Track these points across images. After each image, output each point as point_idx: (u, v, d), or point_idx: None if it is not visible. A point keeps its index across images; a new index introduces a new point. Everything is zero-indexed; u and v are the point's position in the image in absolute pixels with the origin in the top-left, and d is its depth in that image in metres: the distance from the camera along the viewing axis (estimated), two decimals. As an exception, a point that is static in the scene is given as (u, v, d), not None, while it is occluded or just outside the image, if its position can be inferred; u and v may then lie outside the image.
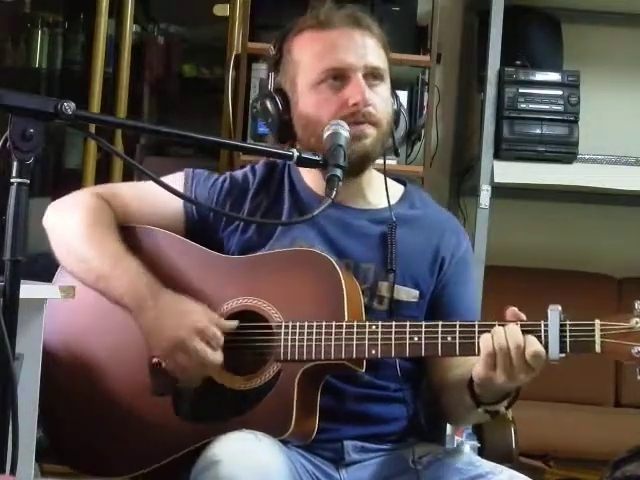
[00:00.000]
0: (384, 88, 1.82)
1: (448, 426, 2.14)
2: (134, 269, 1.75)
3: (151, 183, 1.88)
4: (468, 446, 2.83)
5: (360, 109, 1.76)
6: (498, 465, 1.73)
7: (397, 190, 1.91)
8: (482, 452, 2.79)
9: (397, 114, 1.85)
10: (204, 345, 1.68)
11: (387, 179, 1.85)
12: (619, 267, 3.98)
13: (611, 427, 3.40)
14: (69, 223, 1.82)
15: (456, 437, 2.85)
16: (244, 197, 1.86)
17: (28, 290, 1.54)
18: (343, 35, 1.80)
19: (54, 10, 3.95)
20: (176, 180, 1.86)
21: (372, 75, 1.79)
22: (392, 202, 1.84)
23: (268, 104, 1.82)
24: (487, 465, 1.73)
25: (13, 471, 1.38)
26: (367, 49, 1.80)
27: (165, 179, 1.85)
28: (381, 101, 1.80)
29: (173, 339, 1.69)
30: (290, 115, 1.82)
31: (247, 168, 1.92)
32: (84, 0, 3.74)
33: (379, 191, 1.85)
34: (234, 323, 1.72)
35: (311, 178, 1.86)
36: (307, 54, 1.81)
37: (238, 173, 1.91)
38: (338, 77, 1.78)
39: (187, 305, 1.72)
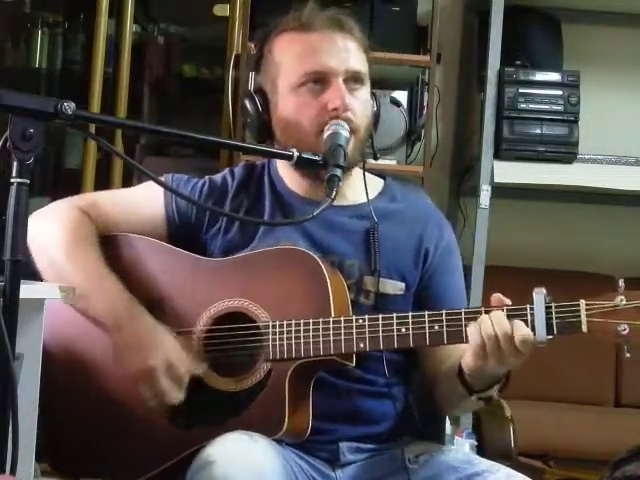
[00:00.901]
0: (364, 92, 1.82)
1: (448, 425, 2.14)
2: (114, 289, 1.75)
3: (131, 190, 1.92)
4: (467, 445, 2.83)
5: (339, 114, 1.76)
6: (495, 463, 1.73)
7: (377, 184, 1.91)
8: (481, 451, 2.79)
9: (376, 116, 1.85)
10: (170, 383, 1.69)
11: (367, 174, 1.85)
12: (619, 267, 3.97)
13: (611, 427, 3.40)
14: (50, 239, 1.80)
15: (456, 437, 2.85)
16: (224, 199, 1.86)
17: (28, 290, 1.54)
18: (325, 38, 1.79)
19: (54, 10, 3.95)
20: (156, 186, 1.85)
21: (353, 79, 1.79)
22: (372, 196, 1.85)
23: (247, 104, 1.83)
24: (484, 463, 1.73)
25: (13, 471, 1.38)
26: (348, 53, 1.79)
27: (146, 183, 1.86)
28: (360, 105, 1.80)
29: (142, 367, 1.69)
30: (269, 116, 1.82)
31: (226, 171, 1.92)
32: (84, 0, 3.75)
33: (359, 187, 1.85)
34: (203, 365, 1.72)
35: (289, 178, 1.87)
36: (288, 56, 1.81)
37: (217, 177, 1.91)
38: (319, 81, 1.78)
39: (163, 335, 1.72)
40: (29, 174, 1.40)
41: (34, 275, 1.76)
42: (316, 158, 1.71)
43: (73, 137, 3.89)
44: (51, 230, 1.82)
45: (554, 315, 1.58)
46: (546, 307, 1.58)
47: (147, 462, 1.72)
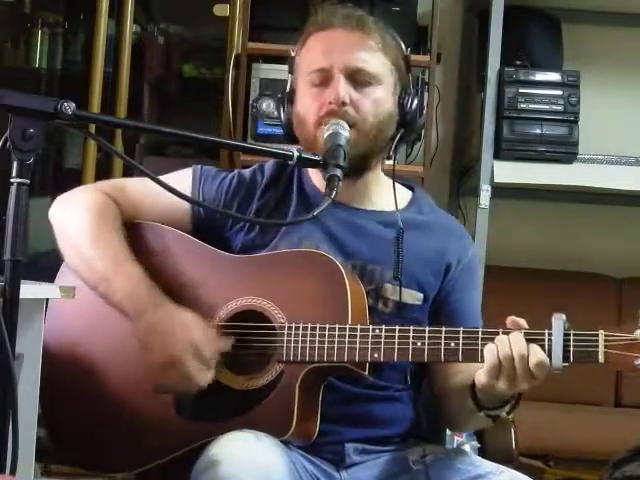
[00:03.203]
0: (377, 90, 1.80)
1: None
2: (136, 275, 1.75)
3: None
4: (468, 446, 2.83)
5: (334, 108, 1.76)
6: (499, 465, 1.72)
7: (405, 195, 1.91)
8: (482, 452, 2.79)
9: (407, 117, 1.83)
10: (198, 365, 1.68)
11: (396, 184, 1.85)
12: (619, 267, 3.97)
13: (611, 427, 3.40)
14: (76, 221, 1.81)
15: (456, 437, 2.85)
16: (252, 196, 1.86)
17: (28, 290, 1.54)
18: (332, 36, 1.81)
19: (54, 10, 3.94)
20: (184, 177, 1.87)
21: (358, 76, 1.79)
22: (400, 207, 1.84)
23: (279, 104, 1.86)
24: (488, 465, 1.73)
25: (13, 471, 1.38)
26: (353, 50, 1.79)
27: (173, 175, 1.86)
28: (368, 103, 1.79)
29: (168, 355, 1.69)
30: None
31: (256, 166, 1.92)
32: (84, 0, 3.74)
33: (387, 194, 1.85)
34: (229, 342, 1.72)
35: (317, 178, 1.87)
36: (305, 56, 1.83)
37: (246, 172, 1.91)
38: (323, 78, 1.79)
39: (186, 319, 1.72)
40: (29, 174, 1.40)
41: (35, 275, 1.75)
42: (316, 158, 1.71)
43: (73, 137, 3.88)
44: (75, 213, 1.82)
45: (572, 343, 1.57)
46: (564, 334, 1.57)
47: (154, 452, 1.72)
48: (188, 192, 1.85)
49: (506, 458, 2.60)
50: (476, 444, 2.87)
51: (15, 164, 1.40)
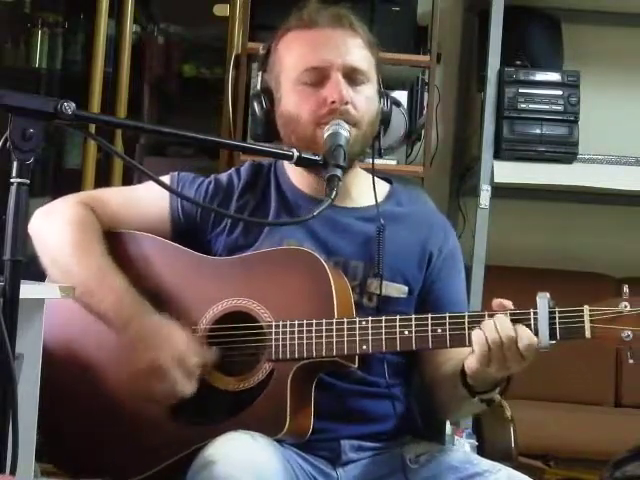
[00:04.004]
0: (368, 88, 1.82)
1: (448, 426, 2.13)
2: (120, 285, 1.75)
3: (136, 188, 1.91)
4: (467, 445, 2.83)
5: (337, 107, 1.76)
6: (496, 463, 1.73)
7: (383, 188, 1.92)
8: (481, 451, 2.79)
9: (386, 114, 1.85)
10: (181, 375, 1.69)
11: (373, 178, 1.85)
12: (619, 267, 3.97)
13: (611, 427, 3.40)
14: (55, 234, 1.81)
15: (456, 437, 2.85)
16: (229, 199, 1.87)
17: (28, 290, 1.54)
18: (324, 35, 1.81)
19: (54, 10, 3.94)
20: None
21: (353, 75, 1.79)
22: (379, 200, 1.84)
23: (254, 103, 1.84)
24: (485, 463, 1.73)
25: (13, 471, 1.38)
26: (347, 48, 1.80)
27: (148, 184, 1.86)
28: (363, 101, 1.80)
29: (151, 363, 1.69)
30: (274, 113, 1.83)
31: (232, 170, 1.93)
32: (84, 0, 3.74)
33: (365, 189, 1.85)
34: (213, 352, 1.72)
35: (297, 177, 1.87)
36: (290, 53, 1.82)
37: (223, 176, 1.92)
38: (318, 76, 1.78)
39: (172, 330, 1.72)
40: (29, 174, 1.40)
41: (34, 275, 1.75)
42: (316, 158, 1.71)
43: (73, 137, 3.88)
44: (55, 228, 1.82)
45: (557, 320, 1.57)
46: (550, 312, 1.58)
47: (148, 460, 1.72)
48: (167, 198, 1.86)
49: (505, 457, 2.61)
50: (475, 443, 2.87)
51: (15, 164, 1.40)
